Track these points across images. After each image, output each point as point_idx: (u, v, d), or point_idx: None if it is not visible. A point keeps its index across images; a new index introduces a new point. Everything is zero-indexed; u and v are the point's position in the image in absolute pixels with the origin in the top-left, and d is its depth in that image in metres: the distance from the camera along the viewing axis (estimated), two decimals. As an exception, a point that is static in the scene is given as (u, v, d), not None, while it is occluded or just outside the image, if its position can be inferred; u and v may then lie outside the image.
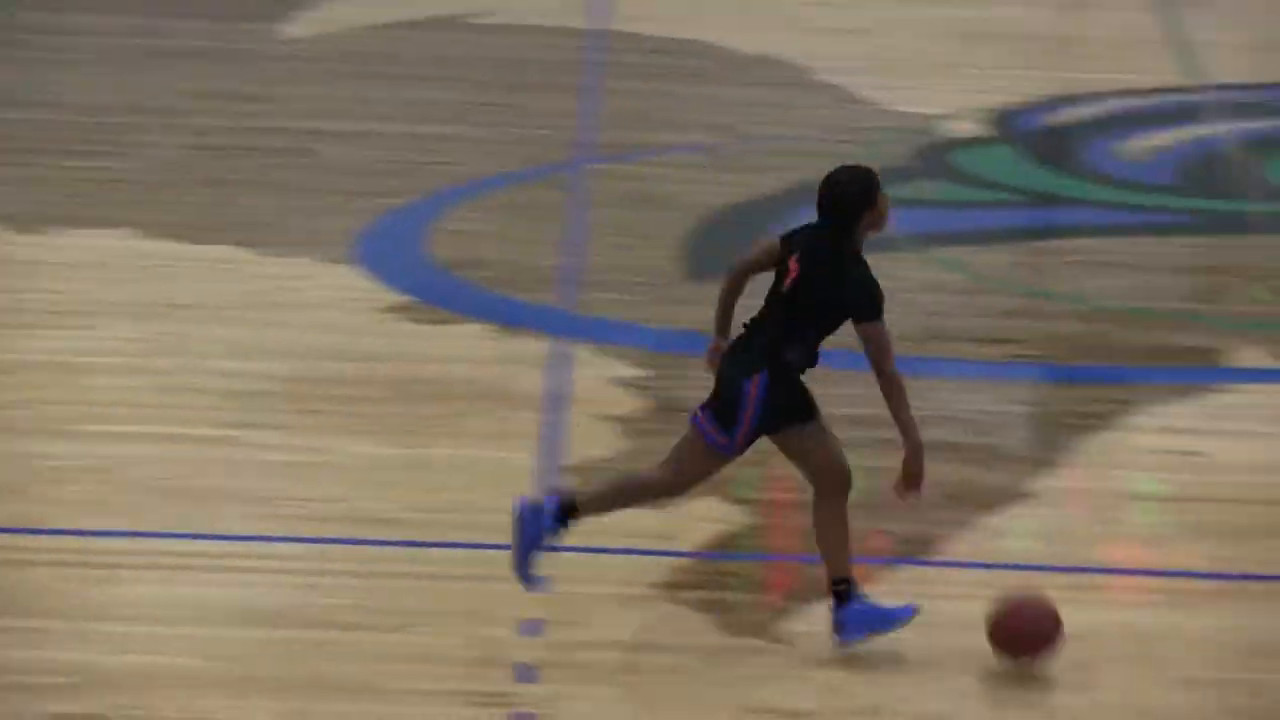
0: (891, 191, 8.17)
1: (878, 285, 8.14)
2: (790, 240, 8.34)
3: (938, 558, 9.02)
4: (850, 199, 8.10)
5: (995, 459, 10.11)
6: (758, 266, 8.45)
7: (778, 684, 7.93)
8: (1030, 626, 8.21)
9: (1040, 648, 8.19)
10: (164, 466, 9.82)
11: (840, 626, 8.42)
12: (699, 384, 8.72)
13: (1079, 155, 15.82)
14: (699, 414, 8.35)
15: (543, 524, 8.30)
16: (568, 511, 8.35)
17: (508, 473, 9.73)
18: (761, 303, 8.19)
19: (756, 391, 8.17)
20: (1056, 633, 8.18)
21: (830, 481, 8.32)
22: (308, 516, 9.31)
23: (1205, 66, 17.87)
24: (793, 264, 8.22)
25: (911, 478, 8.07)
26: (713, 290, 8.50)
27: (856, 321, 8.06)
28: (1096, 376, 11.37)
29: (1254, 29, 19.38)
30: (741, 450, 8.30)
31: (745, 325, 8.43)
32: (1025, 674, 7.89)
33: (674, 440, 8.34)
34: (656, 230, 13.60)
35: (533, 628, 8.31)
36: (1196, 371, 11.46)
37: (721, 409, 8.29)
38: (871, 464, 8.92)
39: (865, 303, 8.06)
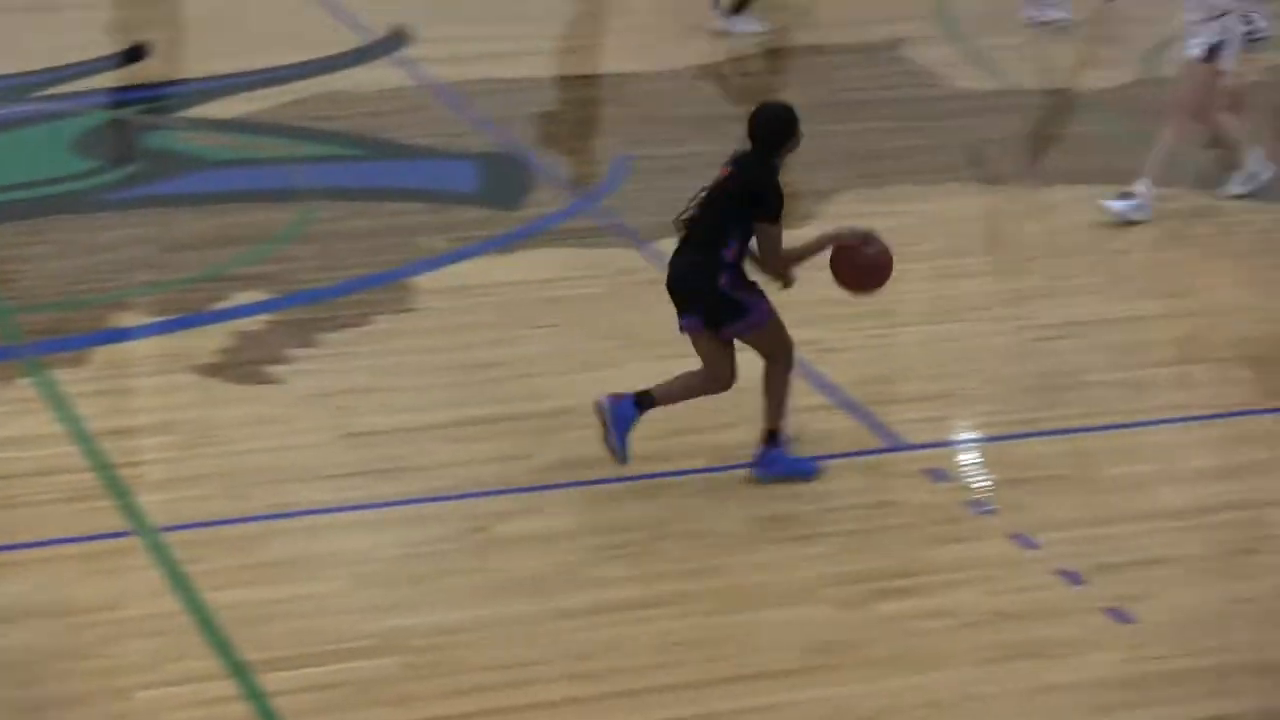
0: None
1: (782, 195, 9.20)
2: (731, 160, 9.35)
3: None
4: (778, 126, 9.29)
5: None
6: None
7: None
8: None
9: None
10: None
11: (760, 462, 9.48)
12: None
13: None
14: (685, 322, 9.33)
15: (627, 412, 9.35)
16: (644, 401, 9.39)
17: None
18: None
19: (729, 283, 9.24)
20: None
21: (782, 353, 9.41)
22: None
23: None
24: (724, 169, 9.31)
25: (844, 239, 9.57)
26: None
27: (757, 219, 9.18)
28: None
29: None
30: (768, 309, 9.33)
31: (681, 237, 9.41)
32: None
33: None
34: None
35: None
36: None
37: (719, 315, 9.28)
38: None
39: (771, 204, 9.17)
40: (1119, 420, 10.17)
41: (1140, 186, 12.35)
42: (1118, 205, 12.34)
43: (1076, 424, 10.10)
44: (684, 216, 9.38)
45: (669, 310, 10.54)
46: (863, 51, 15.50)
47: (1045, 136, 13.94)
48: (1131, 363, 10.78)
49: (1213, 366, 10.73)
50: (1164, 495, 9.46)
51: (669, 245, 11.49)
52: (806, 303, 11.22)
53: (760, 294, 9.42)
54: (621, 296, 11.36)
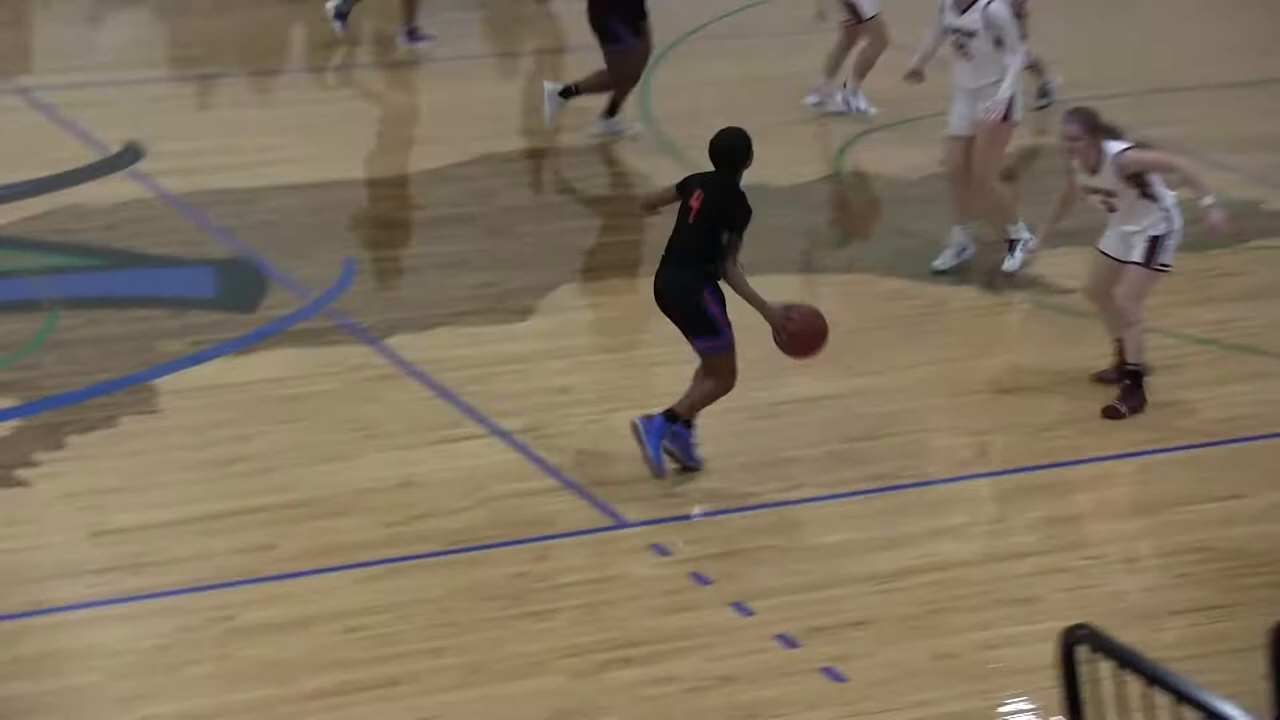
0: None
1: (749, 210, 10.11)
2: (686, 184, 10.25)
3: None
4: (738, 148, 10.22)
5: None
6: (659, 202, 10.68)
7: None
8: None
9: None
10: None
11: (655, 431, 10.19)
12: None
13: None
14: (693, 339, 10.23)
15: (658, 429, 10.16)
16: (671, 417, 10.18)
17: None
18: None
19: (710, 298, 10.08)
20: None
21: (726, 377, 10.25)
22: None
23: None
24: (695, 199, 10.10)
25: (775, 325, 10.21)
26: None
27: (727, 229, 10.02)
28: None
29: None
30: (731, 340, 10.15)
31: (664, 258, 10.25)
32: None
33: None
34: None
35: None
36: None
37: (695, 325, 10.16)
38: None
39: (738, 216, 10.05)
40: (824, 492, 10.33)
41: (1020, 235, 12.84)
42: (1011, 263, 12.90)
43: (784, 497, 10.24)
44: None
45: (403, 401, 10.64)
46: (577, 154, 15.59)
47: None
48: (834, 437, 10.94)
49: (906, 439, 10.93)
50: (867, 560, 9.63)
51: (399, 341, 11.66)
52: (527, 392, 11.34)
53: (728, 321, 10.17)
54: (356, 391, 11.34)
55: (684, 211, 10.20)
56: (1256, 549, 9.74)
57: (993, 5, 12.84)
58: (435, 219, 14.11)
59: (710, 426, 10.89)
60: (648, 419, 10.20)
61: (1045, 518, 10.10)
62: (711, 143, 10.30)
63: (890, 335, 12.15)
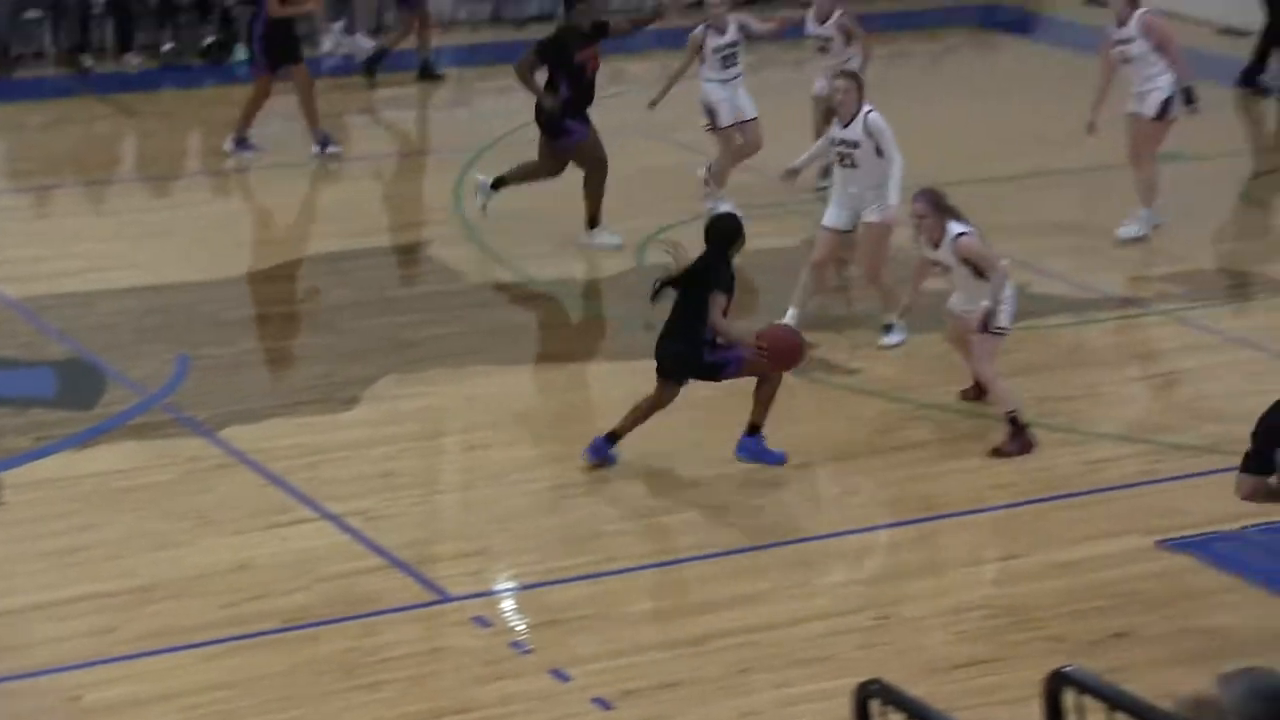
0: None
1: (733, 276, 11.24)
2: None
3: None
4: (726, 230, 11.37)
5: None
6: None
7: None
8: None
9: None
10: None
11: (751, 449, 11.43)
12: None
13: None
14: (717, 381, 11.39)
15: (753, 448, 11.45)
16: (753, 429, 11.42)
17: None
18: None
19: (705, 352, 11.21)
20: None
21: (769, 370, 11.26)
22: None
23: None
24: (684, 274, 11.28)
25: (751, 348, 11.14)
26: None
27: (709, 290, 11.08)
28: None
29: None
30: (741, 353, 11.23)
31: (662, 331, 11.41)
32: None
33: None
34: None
35: None
36: None
37: (706, 375, 11.34)
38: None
39: (720, 279, 11.15)
40: (635, 563, 10.46)
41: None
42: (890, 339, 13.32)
43: (599, 569, 10.36)
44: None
45: (237, 489, 10.69)
46: (395, 253, 15.67)
47: (548, 324, 14.24)
48: (643, 511, 11.08)
49: (710, 511, 11.09)
50: (677, 625, 9.78)
51: (232, 432, 11.68)
52: (355, 477, 11.39)
53: (728, 346, 11.23)
54: (192, 480, 11.36)
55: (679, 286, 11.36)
56: (1029, 605, 10.01)
57: (871, 115, 13.27)
58: (265, 316, 14.15)
59: (523, 506, 11.04)
60: (742, 447, 11.45)
61: (840, 581, 10.31)
62: (706, 226, 11.55)
63: (697, 414, 12.32)
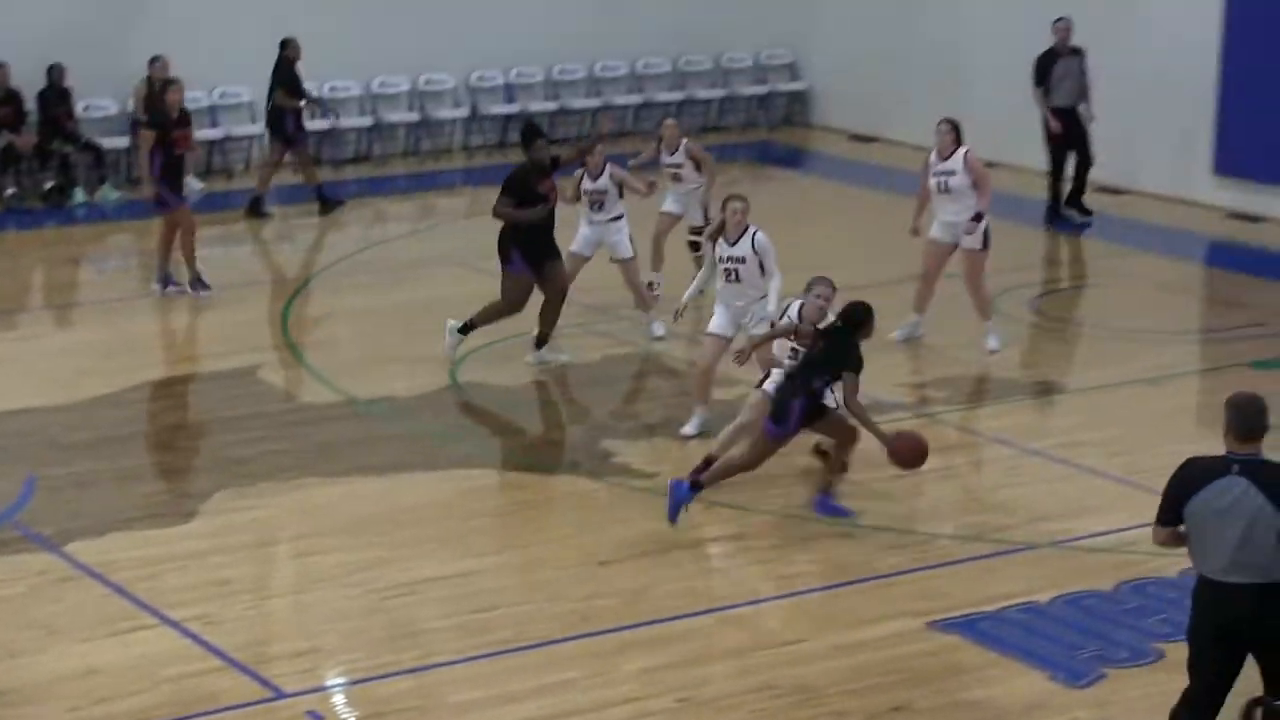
0: None
1: (862, 358, 11.87)
2: (822, 334, 12.11)
3: None
4: (859, 317, 11.93)
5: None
6: (782, 332, 12.51)
7: None
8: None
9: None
10: None
11: (817, 505, 12.26)
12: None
13: None
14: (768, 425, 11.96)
15: (827, 504, 12.20)
16: (695, 486, 11.93)
17: None
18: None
19: (798, 407, 11.84)
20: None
21: (846, 436, 12.14)
22: None
23: None
24: (818, 339, 12.09)
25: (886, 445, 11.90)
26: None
27: (845, 370, 11.82)
28: None
29: None
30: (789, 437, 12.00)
31: (789, 370, 12.15)
32: None
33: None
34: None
35: None
36: None
37: (775, 414, 11.92)
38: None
39: (852, 362, 11.83)
40: (454, 657, 10.44)
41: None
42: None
43: (421, 663, 10.33)
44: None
45: (83, 600, 10.54)
46: (229, 377, 15.57)
47: (368, 438, 14.22)
48: (461, 610, 11.08)
49: (522, 609, 11.11)
50: (493, 715, 9.76)
51: (77, 547, 11.51)
52: (194, 585, 11.30)
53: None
54: (40, 593, 11.21)
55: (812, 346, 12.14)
56: (815, 684, 10.10)
57: (758, 235, 13.56)
58: (106, 438, 13.98)
59: (351, 607, 11.00)
60: (819, 506, 12.26)
61: (643, 668, 10.33)
62: (843, 311, 12.08)
63: (509, 520, 12.37)
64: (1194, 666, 8.57)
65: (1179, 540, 8.58)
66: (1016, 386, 15.27)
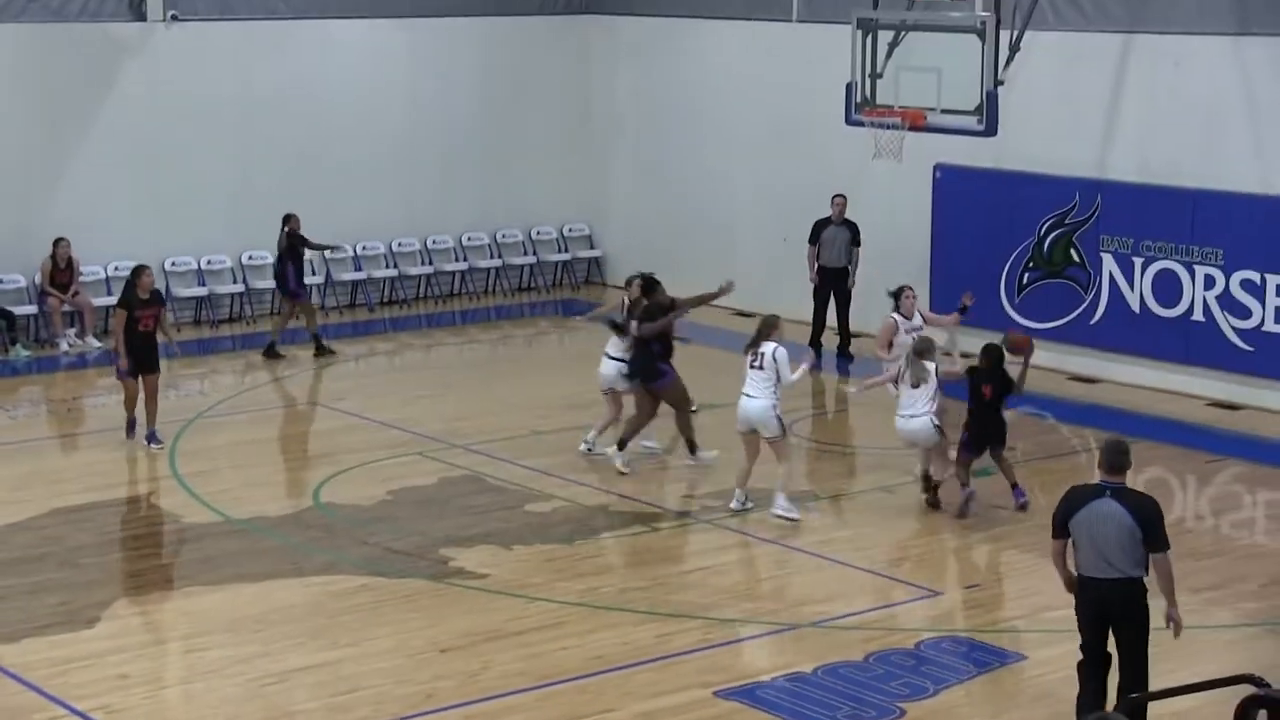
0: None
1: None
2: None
3: None
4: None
5: None
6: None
7: None
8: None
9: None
10: None
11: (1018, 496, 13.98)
12: None
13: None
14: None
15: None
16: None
17: None
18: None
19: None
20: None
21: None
22: None
23: None
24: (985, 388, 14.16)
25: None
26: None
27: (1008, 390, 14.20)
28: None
29: None
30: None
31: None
32: None
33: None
34: None
35: None
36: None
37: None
38: None
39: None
40: (322, 734, 10.28)
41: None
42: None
43: (294, 740, 10.16)
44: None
45: (3, 696, 10.18)
46: (125, 504, 15.26)
47: (245, 551, 13.99)
48: (323, 694, 10.92)
49: (374, 692, 10.96)
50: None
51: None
52: (97, 680, 11.01)
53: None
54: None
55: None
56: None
57: (778, 351, 14.16)
58: (20, 558, 13.62)
59: (234, 693, 10.79)
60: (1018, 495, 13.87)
61: (480, 737, 10.23)
62: (997, 345, 13.67)
63: (365, 616, 12.24)
64: (1084, 643, 9.66)
65: (1065, 552, 9.50)
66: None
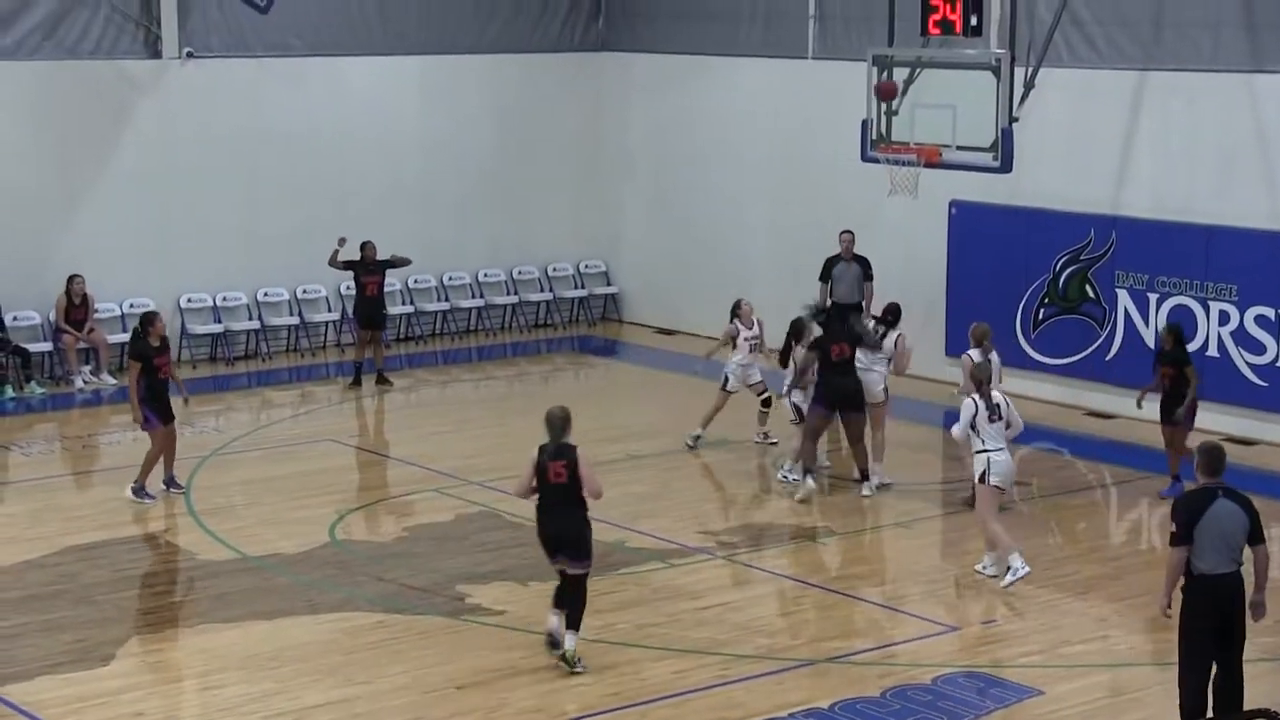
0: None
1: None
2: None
3: None
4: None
5: None
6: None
7: None
8: None
9: None
10: None
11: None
12: None
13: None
14: None
15: None
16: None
17: None
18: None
19: None
20: None
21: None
22: None
23: None
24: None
25: None
26: None
27: None
28: None
29: None
30: None
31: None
32: None
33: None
34: None
35: None
36: None
37: None
38: None
39: None
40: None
41: None
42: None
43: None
44: None
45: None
46: (139, 541, 15.27)
47: (259, 589, 14.00)
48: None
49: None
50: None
51: (9, 690, 11.13)
52: (113, 718, 10.99)
53: None
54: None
55: None
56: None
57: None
58: (34, 596, 13.64)
59: (251, 731, 10.76)
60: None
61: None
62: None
63: (380, 654, 12.23)
64: (1191, 653, 9.96)
65: (1185, 560, 9.82)
66: (795, 531, 15.42)
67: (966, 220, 20.58)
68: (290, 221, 22.58)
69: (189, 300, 22.33)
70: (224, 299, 22.58)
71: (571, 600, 11.59)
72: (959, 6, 16.27)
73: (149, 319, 16.21)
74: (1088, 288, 19.58)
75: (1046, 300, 19.97)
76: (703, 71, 23.62)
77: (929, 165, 17.00)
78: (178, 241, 22.17)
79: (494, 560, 14.39)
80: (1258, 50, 18.09)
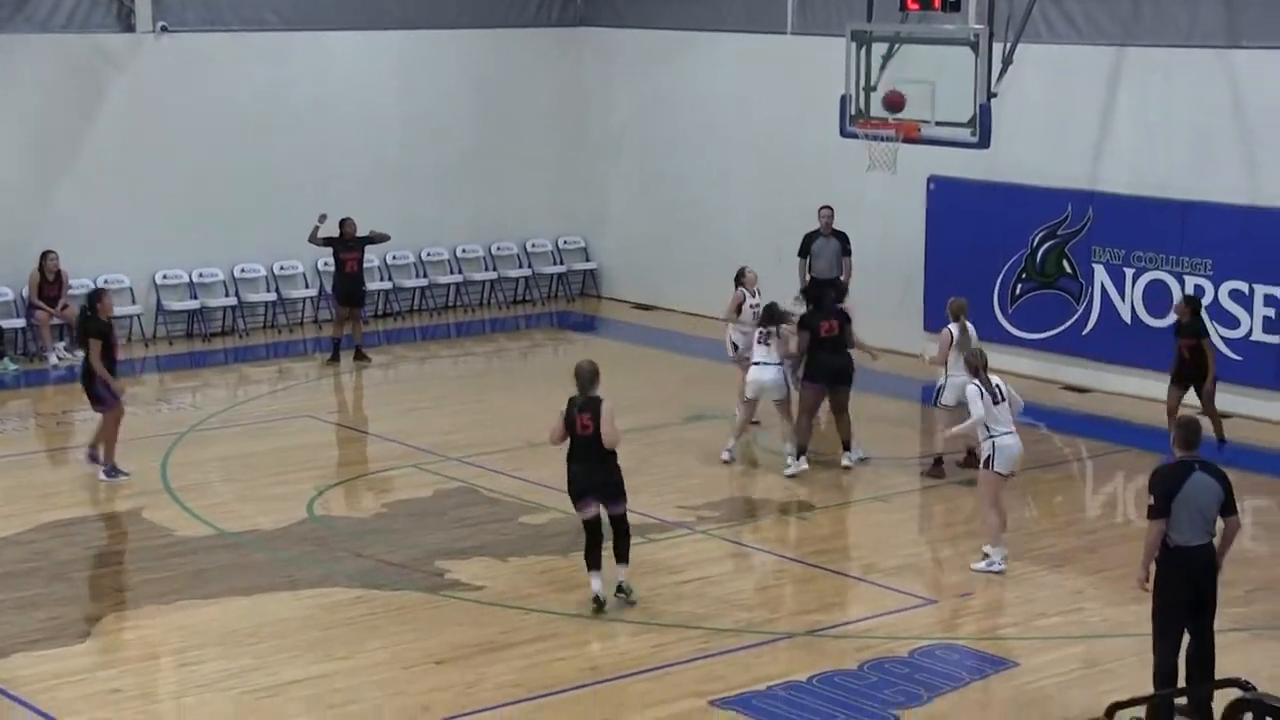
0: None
1: None
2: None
3: None
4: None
5: None
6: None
7: None
8: None
9: None
10: None
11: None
12: None
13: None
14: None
15: None
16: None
17: None
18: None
19: None
20: None
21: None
22: None
23: None
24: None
25: None
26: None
27: None
28: None
29: None
30: None
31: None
32: None
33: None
34: None
35: None
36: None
37: None
38: None
39: None
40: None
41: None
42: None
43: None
44: None
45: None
46: (115, 518, 15.22)
47: (236, 565, 13.97)
48: (317, 707, 10.87)
49: (369, 706, 10.92)
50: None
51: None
52: (88, 695, 10.96)
53: None
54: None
55: None
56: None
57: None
58: (9, 573, 13.58)
59: (227, 708, 10.74)
60: None
61: (474, 750, 10.20)
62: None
63: (359, 629, 12.21)
64: (1165, 623, 10.02)
65: (1163, 533, 9.91)
66: (775, 506, 15.44)
67: (945, 196, 20.59)
68: (267, 197, 22.49)
69: (164, 277, 22.25)
70: (200, 275, 22.50)
71: (617, 536, 12.35)
72: (938, -19, 16.24)
73: (97, 296, 16.14)
74: (1065, 263, 19.60)
75: (1024, 275, 19.99)
76: (683, 47, 23.56)
77: (907, 141, 16.99)
78: (153, 218, 22.06)
79: (472, 536, 14.38)
80: (1235, 26, 18.10)
